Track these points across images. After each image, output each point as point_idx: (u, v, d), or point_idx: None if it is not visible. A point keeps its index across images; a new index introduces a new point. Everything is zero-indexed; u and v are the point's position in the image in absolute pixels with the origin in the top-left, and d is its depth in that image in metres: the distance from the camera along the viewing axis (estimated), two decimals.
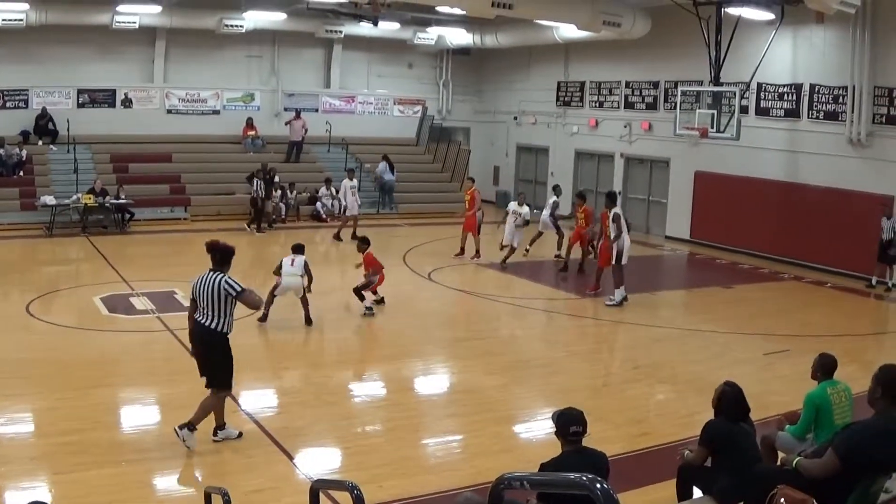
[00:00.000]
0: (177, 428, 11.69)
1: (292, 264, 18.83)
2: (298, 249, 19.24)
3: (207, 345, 11.85)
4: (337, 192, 34.50)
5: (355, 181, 31.63)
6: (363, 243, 20.36)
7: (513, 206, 27.77)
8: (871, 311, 24.08)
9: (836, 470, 7.37)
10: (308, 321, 18.85)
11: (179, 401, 13.42)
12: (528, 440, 13.17)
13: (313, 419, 13.16)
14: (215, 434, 12.08)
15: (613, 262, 22.11)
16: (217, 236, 27.42)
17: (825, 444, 7.95)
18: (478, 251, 28.00)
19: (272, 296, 18.69)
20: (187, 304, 19.66)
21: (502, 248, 27.27)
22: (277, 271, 18.97)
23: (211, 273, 11.77)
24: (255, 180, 32.62)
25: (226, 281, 11.64)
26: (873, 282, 25.56)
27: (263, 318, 18.50)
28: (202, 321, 11.74)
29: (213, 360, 11.86)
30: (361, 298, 19.78)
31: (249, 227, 32.16)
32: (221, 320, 11.72)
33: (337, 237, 30.64)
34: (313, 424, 12.96)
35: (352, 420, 13.50)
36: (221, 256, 11.94)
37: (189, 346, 12.57)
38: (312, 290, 19.06)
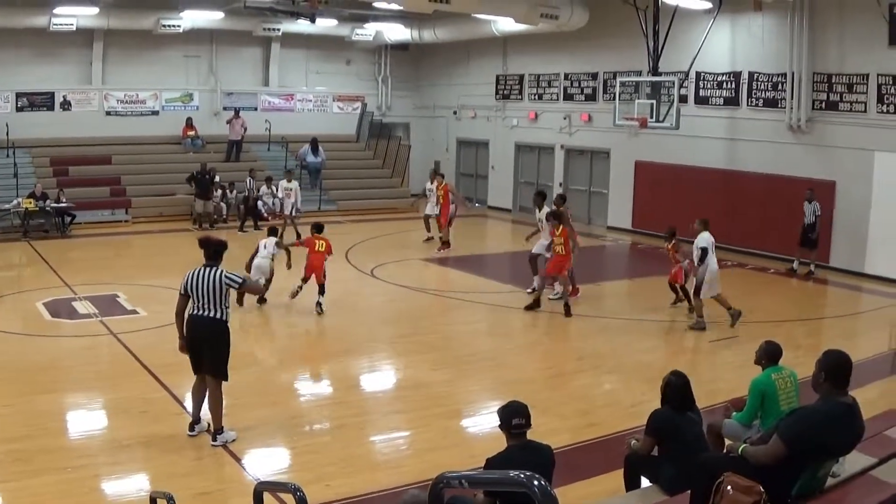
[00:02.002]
0: (212, 443, 12.01)
1: (265, 248, 20.44)
2: (271, 233, 21.31)
3: (215, 336, 12.09)
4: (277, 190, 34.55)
5: (294, 182, 31.34)
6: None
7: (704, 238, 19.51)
8: (814, 296, 24.32)
9: (782, 455, 7.40)
10: (262, 300, 20.41)
11: (125, 404, 13.40)
12: (475, 434, 13.13)
13: (259, 420, 13.05)
14: (191, 429, 12.34)
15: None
16: (158, 237, 27.32)
17: (771, 429, 7.99)
18: (447, 242, 28.70)
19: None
20: (129, 307, 19.82)
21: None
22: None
23: (206, 268, 12.06)
24: (248, 179, 33.29)
25: (225, 275, 12.02)
26: (795, 265, 25.96)
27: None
28: (203, 314, 11.99)
29: (221, 349, 12.15)
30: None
31: (243, 228, 32.43)
32: (222, 311, 12.05)
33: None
34: (259, 425, 12.84)
35: (298, 419, 13.44)
36: (215, 250, 12.29)
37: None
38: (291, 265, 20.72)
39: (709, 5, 27.71)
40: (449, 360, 16.80)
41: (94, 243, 29.59)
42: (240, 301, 19.38)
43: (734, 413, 10.23)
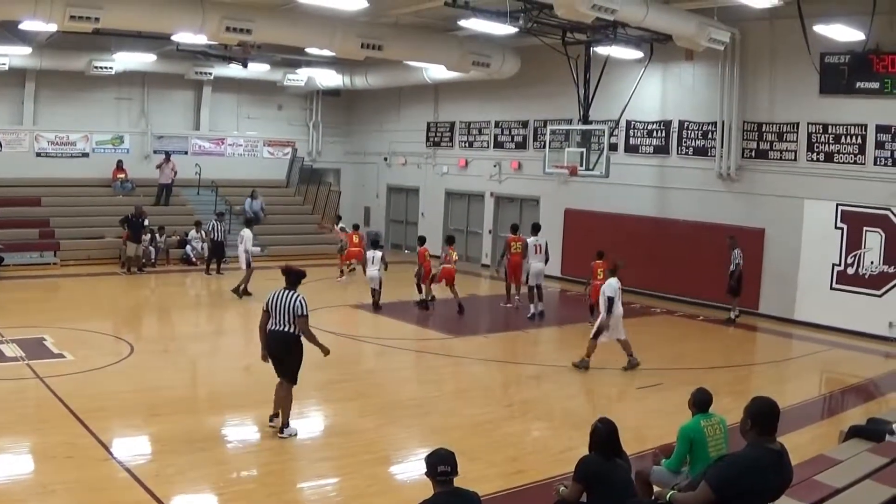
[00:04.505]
0: (280, 435, 14.45)
1: (372, 262, 26.37)
2: (375, 245, 27.34)
3: (287, 346, 14.30)
4: (207, 234, 33.94)
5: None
6: None
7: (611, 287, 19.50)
8: (741, 343, 24.43)
9: (709, 502, 7.41)
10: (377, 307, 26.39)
11: (51, 449, 13.13)
12: (403, 481, 13.02)
13: (186, 466, 12.84)
14: (270, 420, 14.88)
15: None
16: (87, 280, 27.04)
17: (699, 476, 8.00)
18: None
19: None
20: (56, 350, 19.55)
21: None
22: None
23: (287, 290, 14.35)
24: (211, 222, 33.03)
25: (301, 299, 14.26)
26: (733, 315, 26.13)
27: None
28: (279, 328, 14.20)
29: (293, 357, 14.41)
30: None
31: (208, 270, 32.58)
32: (294, 327, 14.20)
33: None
34: (186, 471, 12.63)
35: (225, 466, 13.22)
36: (295, 278, 14.64)
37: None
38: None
39: (640, 55, 28.01)
40: (377, 407, 16.70)
41: (22, 286, 29.15)
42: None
43: (663, 460, 10.22)
